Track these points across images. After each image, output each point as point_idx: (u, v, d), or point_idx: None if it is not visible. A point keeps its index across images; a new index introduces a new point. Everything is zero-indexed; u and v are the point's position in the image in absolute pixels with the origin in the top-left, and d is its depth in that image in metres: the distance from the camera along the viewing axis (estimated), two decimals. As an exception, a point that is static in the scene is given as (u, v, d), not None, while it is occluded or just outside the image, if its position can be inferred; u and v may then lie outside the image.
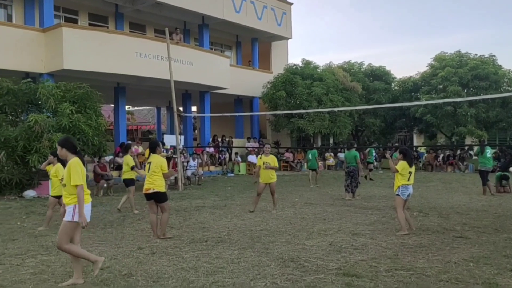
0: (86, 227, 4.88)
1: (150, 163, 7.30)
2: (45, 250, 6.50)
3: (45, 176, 13.21)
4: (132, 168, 10.32)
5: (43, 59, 15.89)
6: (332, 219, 8.99)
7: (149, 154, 7.58)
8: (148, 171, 7.27)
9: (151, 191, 7.19)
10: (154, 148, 7.56)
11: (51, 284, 4.92)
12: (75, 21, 18.70)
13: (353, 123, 25.95)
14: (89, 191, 5.02)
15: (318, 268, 5.48)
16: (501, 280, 4.96)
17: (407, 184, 7.55)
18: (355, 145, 13.71)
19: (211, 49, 23.79)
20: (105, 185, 13.41)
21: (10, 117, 13.27)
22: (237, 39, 26.54)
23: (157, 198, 7.21)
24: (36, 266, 5.65)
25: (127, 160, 10.34)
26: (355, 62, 29.27)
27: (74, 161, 4.85)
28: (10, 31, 15.42)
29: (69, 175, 4.79)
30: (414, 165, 7.78)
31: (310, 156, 15.92)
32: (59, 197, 8.04)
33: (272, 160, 9.98)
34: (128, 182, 10.30)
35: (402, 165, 7.56)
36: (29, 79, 13.79)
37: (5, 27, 15.56)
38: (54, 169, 8.05)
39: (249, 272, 5.33)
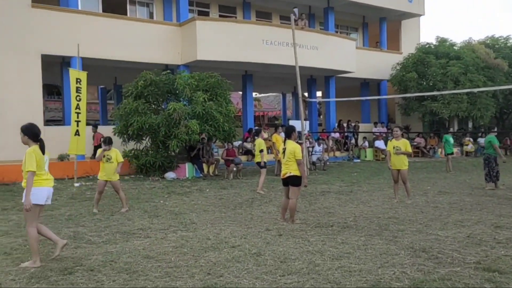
0: (29, 211, 4.94)
1: (285, 149, 7.30)
2: (184, 227, 7.11)
3: (183, 159, 14.48)
4: (261, 152, 10.86)
5: (180, 51, 17.25)
6: (470, 210, 8.25)
7: (285, 140, 7.47)
8: (284, 158, 7.32)
9: (287, 175, 7.23)
10: (289, 133, 7.43)
11: (189, 257, 5.38)
12: (206, 14, 19.89)
13: (497, 105, 23.33)
14: (51, 177, 5.28)
15: (453, 260, 5.09)
16: None
17: None
18: (495, 129, 12.35)
19: (337, 32, 23.32)
20: (234, 168, 14.14)
21: (153, 106, 14.65)
22: (364, 20, 25.57)
23: (291, 181, 7.20)
24: (177, 240, 6.22)
25: (259, 144, 10.89)
26: (499, 37, 26.15)
27: (30, 150, 5.03)
28: (152, 27, 17.06)
29: (24, 162, 4.98)
30: None
31: (450, 140, 15.68)
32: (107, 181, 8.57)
33: (404, 144, 9.20)
34: (259, 165, 10.84)
35: None
36: (168, 71, 15.07)
37: (148, 24, 17.26)
38: (115, 154, 8.50)
39: (376, 259, 5.18)
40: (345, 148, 21.28)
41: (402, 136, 9.80)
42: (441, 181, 12.77)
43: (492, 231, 6.51)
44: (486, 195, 9.98)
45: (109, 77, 21.62)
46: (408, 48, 24.57)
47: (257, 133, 11.66)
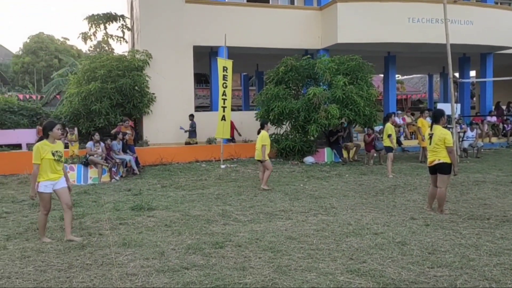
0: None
1: (432, 134, 6.85)
2: (324, 211, 7.13)
3: (322, 144, 14.48)
4: (389, 136, 11.04)
5: (320, 35, 17.16)
6: None
7: (432, 125, 7.02)
8: (430, 144, 6.87)
9: (435, 162, 6.77)
10: (437, 118, 6.93)
11: (331, 241, 5.38)
12: (348, -5, 19.35)
13: None
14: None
15: None
16: None
17: None
18: None
19: (497, 3, 20.70)
20: (375, 154, 13.67)
21: (293, 91, 14.89)
22: (532, -14, 22.27)
23: (440, 168, 6.72)
24: (317, 223, 6.27)
25: (386, 128, 11.19)
26: None
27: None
28: (292, 13, 17.27)
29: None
30: None
31: None
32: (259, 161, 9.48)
33: None
34: (387, 149, 11.22)
35: None
36: (308, 56, 15.13)
37: (289, 10, 17.54)
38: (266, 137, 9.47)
39: (546, 260, 4.53)
40: (503, 134, 18.98)
41: None
42: None
43: None
44: None
45: (251, 64, 22.58)
46: None
47: (387, 118, 11.74)
